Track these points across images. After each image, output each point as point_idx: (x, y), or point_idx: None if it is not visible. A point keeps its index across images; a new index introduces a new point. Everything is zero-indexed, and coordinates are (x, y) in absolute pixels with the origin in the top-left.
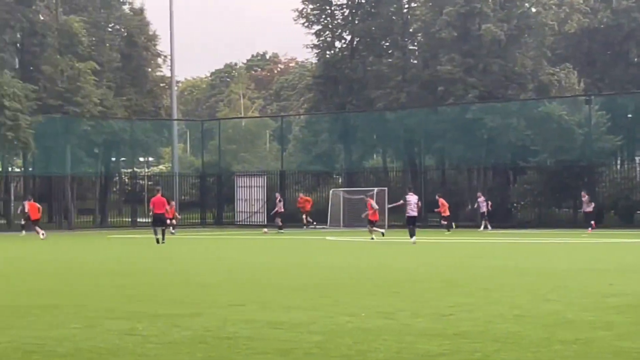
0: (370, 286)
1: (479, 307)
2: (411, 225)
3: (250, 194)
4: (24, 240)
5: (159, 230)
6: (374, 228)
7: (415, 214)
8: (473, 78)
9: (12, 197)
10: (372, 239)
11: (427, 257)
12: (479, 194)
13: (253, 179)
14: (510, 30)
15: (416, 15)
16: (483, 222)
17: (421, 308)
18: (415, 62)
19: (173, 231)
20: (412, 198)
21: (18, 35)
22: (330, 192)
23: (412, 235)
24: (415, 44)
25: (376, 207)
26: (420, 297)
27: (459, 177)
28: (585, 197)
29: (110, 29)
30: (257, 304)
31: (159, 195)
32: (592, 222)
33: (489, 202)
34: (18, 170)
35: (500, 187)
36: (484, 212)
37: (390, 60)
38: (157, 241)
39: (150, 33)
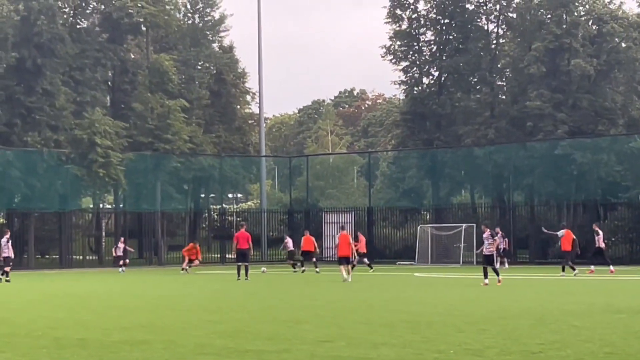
0: (459, 323)
1: (569, 344)
2: (488, 264)
3: (337, 231)
4: (115, 276)
5: (242, 266)
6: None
7: (489, 252)
8: (562, 113)
9: (104, 233)
10: (371, 268)
11: (514, 293)
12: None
13: (341, 215)
14: (600, 65)
15: (504, 51)
16: (498, 259)
17: (510, 345)
18: (504, 97)
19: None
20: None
21: (109, 74)
22: (418, 228)
23: (485, 275)
24: (504, 79)
25: (357, 242)
26: (509, 334)
27: (549, 213)
28: None
29: (199, 67)
30: (344, 341)
31: (242, 230)
32: None
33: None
34: (109, 206)
35: (590, 224)
36: (504, 248)
37: (478, 96)
38: (238, 276)
39: (239, 70)
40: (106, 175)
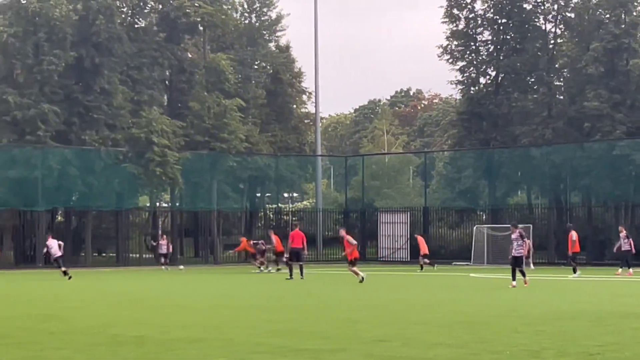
0: (515, 324)
1: (628, 346)
2: (516, 265)
3: (393, 231)
4: (171, 274)
5: (296, 265)
6: (354, 268)
7: (519, 254)
8: (620, 114)
9: (160, 232)
10: (362, 279)
11: (571, 295)
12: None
13: (396, 215)
14: None
15: (562, 51)
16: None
17: (567, 347)
18: (561, 97)
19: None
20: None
21: (167, 73)
22: (474, 228)
23: (514, 277)
24: (561, 79)
25: (354, 242)
26: (566, 336)
27: (606, 215)
28: None
29: (256, 66)
30: (401, 340)
31: (297, 229)
32: None
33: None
34: (166, 205)
35: None
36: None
37: (535, 96)
38: (291, 276)
39: (296, 70)
40: (163, 174)
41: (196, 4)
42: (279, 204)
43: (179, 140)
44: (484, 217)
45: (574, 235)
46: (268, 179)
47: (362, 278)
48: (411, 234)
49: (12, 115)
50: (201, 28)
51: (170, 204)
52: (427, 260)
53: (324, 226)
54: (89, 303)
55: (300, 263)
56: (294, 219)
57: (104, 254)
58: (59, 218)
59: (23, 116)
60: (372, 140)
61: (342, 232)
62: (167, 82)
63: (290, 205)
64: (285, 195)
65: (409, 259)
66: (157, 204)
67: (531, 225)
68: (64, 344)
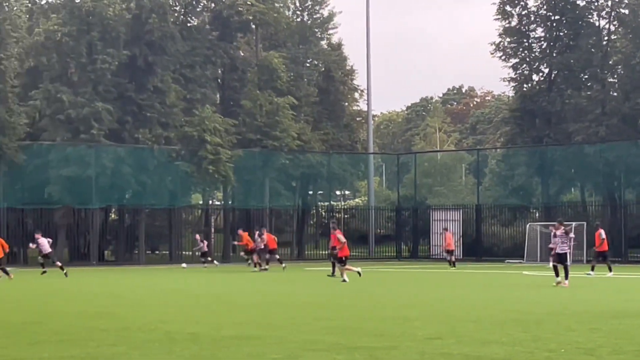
0: (570, 322)
1: None
2: (560, 262)
3: (442, 229)
4: (224, 272)
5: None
6: (348, 266)
7: (563, 251)
8: None
9: (213, 230)
10: (344, 280)
11: (627, 293)
12: None
13: (449, 212)
14: None
15: (616, 48)
16: None
17: (623, 344)
18: (615, 94)
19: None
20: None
21: (219, 71)
22: (527, 226)
23: (557, 274)
24: (615, 76)
25: (344, 240)
26: (622, 334)
27: None
28: None
29: (308, 64)
30: (454, 338)
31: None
32: None
33: None
34: (218, 203)
35: None
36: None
37: (589, 92)
38: (333, 273)
39: (348, 68)
40: (215, 171)
41: (248, 2)
42: (331, 202)
43: (231, 138)
44: (537, 214)
45: (602, 233)
46: (320, 177)
47: (344, 280)
48: (464, 232)
49: (66, 114)
50: (253, 26)
51: (222, 201)
52: (452, 258)
53: (376, 224)
54: (143, 300)
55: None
56: (346, 216)
57: (157, 252)
58: (113, 216)
59: (77, 115)
60: (424, 137)
61: (336, 232)
62: (219, 80)
63: (342, 203)
64: (337, 192)
65: (461, 257)
66: (210, 201)
67: (585, 223)
68: (118, 340)
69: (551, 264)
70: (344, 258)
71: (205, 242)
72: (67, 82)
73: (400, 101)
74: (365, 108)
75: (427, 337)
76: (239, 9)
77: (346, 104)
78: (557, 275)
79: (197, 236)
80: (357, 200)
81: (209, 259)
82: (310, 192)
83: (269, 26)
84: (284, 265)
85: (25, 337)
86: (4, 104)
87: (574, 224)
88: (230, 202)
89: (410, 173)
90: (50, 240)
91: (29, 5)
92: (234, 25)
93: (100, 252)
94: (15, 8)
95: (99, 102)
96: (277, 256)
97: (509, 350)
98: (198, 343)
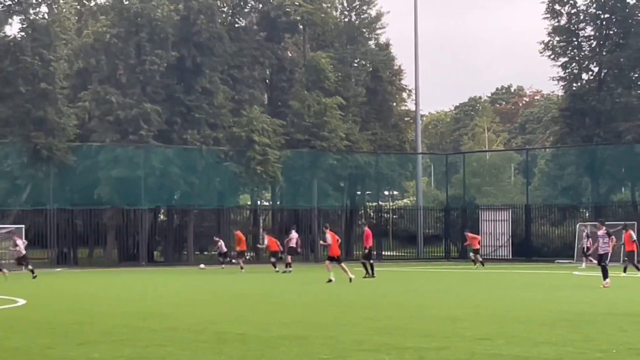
0: (621, 322)
1: None
2: (600, 262)
3: (494, 228)
4: (271, 273)
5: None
6: (340, 264)
7: (604, 251)
8: None
9: (261, 230)
10: (330, 280)
11: None
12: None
13: (498, 212)
14: None
15: None
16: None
17: None
18: None
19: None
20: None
21: (267, 72)
22: (577, 226)
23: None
24: None
25: (330, 241)
26: None
27: None
28: None
29: (356, 64)
30: (504, 338)
31: (367, 228)
32: None
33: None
34: (267, 203)
35: None
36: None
37: (639, 91)
38: (368, 274)
39: (395, 68)
40: (264, 172)
41: (296, 3)
42: (379, 202)
43: (279, 138)
44: (587, 214)
45: (632, 235)
46: (368, 177)
47: (330, 280)
48: (513, 232)
49: (115, 115)
50: (301, 27)
51: (271, 202)
52: (477, 257)
53: (424, 224)
54: (191, 300)
55: (371, 261)
56: (394, 216)
57: (205, 252)
58: (161, 217)
59: (126, 116)
60: (472, 137)
61: (325, 230)
62: (267, 81)
63: (391, 203)
64: (386, 193)
65: (510, 257)
66: (258, 202)
67: (635, 223)
68: (167, 341)
69: (599, 265)
70: (335, 257)
71: (222, 242)
72: (115, 84)
73: (449, 101)
74: (413, 108)
75: (476, 337)
76: (287, 9)
77: (394, 104)
78: (605, 276)
79: (216, 238)
80: (405, 200)
81: (228, 259)
82: (359, 193)
83: (316, 26)
84: (287, 268)
85: (75, 337)
86: (54, 106)
87: (627, 223)
88: (278, 203)
89: (458, 173)
90: (26, 242)
91: (78, 7)
92: (282, 26)
93: (150, 253)
94: (64, 10)
95: (147, 103)
96: (274, 259)
97: (560, 351)
98: (247, 343)
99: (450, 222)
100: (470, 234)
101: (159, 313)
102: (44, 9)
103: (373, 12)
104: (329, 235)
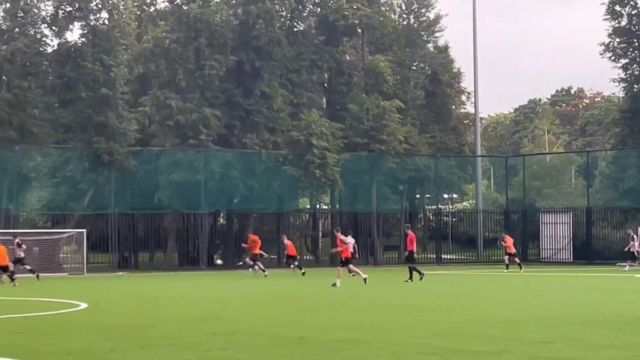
0: None
1: None
2: None
3: (555, 231)
4: (332, 276)
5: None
6: (352, 268)
7: None
8: None
9: (320, 234)
10: (335, 284)
11: None
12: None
13: (558, 215)
14: None
15: None
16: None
17: None
18: None
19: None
20: None
21: (326, 76)
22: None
23: None
24: None
25: (348, 241)
26: None
27: None
28: None
29: (414, 67)
30: (565, 342)
31: (410, 232)
32: None
33: None
34: (325, 207)
35: None
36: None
37: None
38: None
39: (454, 70)
40: (322, 175)
41: (354, 7)
42: (439, 205)
43: (338, 142)
44: None
45: None
46: (427, 180)
47: (335, 284)
48: (574, 235)
49: (175, 120)
50: (359, 30)
51: (330, 205)
52: (515, 259)
53: (484, 227)
54: (251, 304)
55: (414, 265)
56: (454, 219)
57: (265, 256)
58: (221, 220)
59: (185, 120)
60: (532, 140)
61: (336, 233)
62: (325, 84)
63: (450, 206)
64: (445, 196)
65: (571, 260)
66: (317, 205)
67: None
68: (228, 344)
69: None
70: (344, 259)
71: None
72: (175, 88)
73: (508, 103)
74: (472, 111)
75: (537, 341)
76: (345, 13)
77: (453, 106)
78: None
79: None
80: (465, 203)
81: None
82: (418, 196)
83: (375, 30)
84: (303, 270)
85: (137, 341)
86: (115, 111)
87: None
88: (337, 206)
89: (518, 176)
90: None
91: (138, 12)
92: (340, 30)
93: (210, 257)
94: (124, 16)
95: (207, 107)
96: (296, 263)
97: (624, 355)
98: (306, 346)
99: (510, 225)
100: (507, 237)
101: (220, 316)
102: (104, 14)
103: (432, 15)
104: (344, 238)
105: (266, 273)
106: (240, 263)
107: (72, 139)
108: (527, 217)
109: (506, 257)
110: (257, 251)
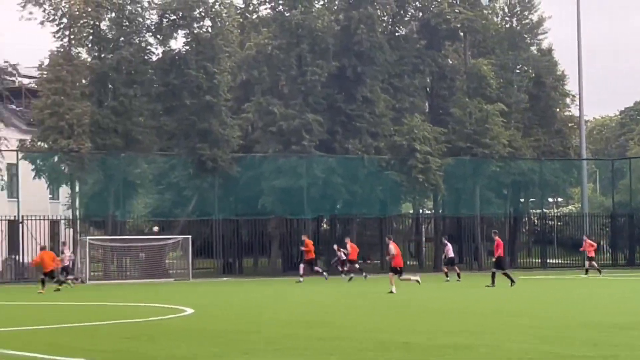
0: None
1: None
2: None
3: None
4: (437, 281)
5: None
6: (406, 276)
7: None
8: None
9: (424, 238)
10: (392, 292)
11: None
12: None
13: None
14: None
15: None
16: None
17: None
18: None
19: None
20: None
21: (428, 80)
22: None
23: None
24: None
25: (394, 252)
26: None
27: None
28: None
29: (517, 71)
30: None
31: (498, 237)
32: None
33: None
34: (428, 212)
35: None
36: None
37: None
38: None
39: (559, 73)
40: (425, 180)
41: (456, 10)
42: (544, 209)
43: (440, 146)
44: None
45: None
46: (532, 184)
47: (392, 291)
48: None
49: (277, 126)
50: (462, 34)
51: (433, 210)
52: (593, 264)
53: (590, 231)
54: (355, 309)
55: (504, 271)
56: (559, 224)
57: (368, 261)
58: (324, 226)
59: (288, 126)
60: (639, 142)
61: (388, 241)
62: (428, 88)
63: (555, 210)
64: (550, 200)
65: None
66: (420, 210)
67: None
68: (332, 349)
69: None
70: (398, 268)
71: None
72: (278, 95)
73: (614, 105)
74: (577, 113)
75: None
76: (447, 17)
77: (557, 109)
78: None
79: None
80: (570, 207)
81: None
82: (522, 200)
83: (477, 33)
84: (350, 276)
85: (240, 346)
86: (218, 118)
87: None
88: (440, 211)
89: (625, 178)
90: (73, 256)
91: (241, 20)
92: (442, 34)
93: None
94: (227, 23)
95: (309, 113)
96: (357, 265)
97: None
98: (411, 352)
99: (616, 229)
100: (588, 240)
101: (323, 321)
102: (207, 22)
103: (535, 17)
104: (392, 247)
105: (326, 276)
106: (337, 264)
107: (176, 146)
108: (634, 221)
109: (587, 263)
110: (312, 255)
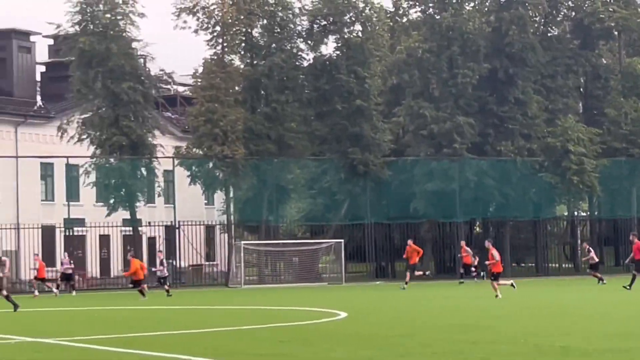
0: None
1: None
2: None
3: None
4: (590, 284)
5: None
6: (500, 281)
7: None
8: None
9: (579, 241)
10: (497, 296)
11: None
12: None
13: None
14: None
15: None
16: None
17: None
18: None
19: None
20: None
21: (581, 80)
22: None
23: None
24: None
25: (498, 258)
26: None
27: None
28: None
29: None
30: None
31: (637, 240)
32: None
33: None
34: (584, 214)
35: None
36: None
37: None
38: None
39: None
40: (580, 182)
41: (610, 9)
42: None
43: (595, 147)
44: None
45: None
46: None
47: (497, 295)
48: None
49: (428, 129)
50: (616, 33)
51: (588, 212)
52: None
53: None
54: (511, 313)
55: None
56: (632, 233)
57: (522, 264)
58: (477, 229)
59: (439, 129)
60: None
61: (488, 244)
62: (581, 89)
63: None
64: None
65: None
66: (575, 212)
67: None
68: (488, 353)
69: None
70: (496, 274)
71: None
72: (429, 98)
73: None
74: None
75: None
76: (601, 16)
77: None
78: None
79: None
80: None
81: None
82: None
83: (632, 32)
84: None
85: (395, 350)
86: (369, 122)
87: None
88: (596, 213)
89: None
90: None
91: (391, 23)
92: (596, 33)
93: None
94: (377, 27)
95: (460, 116)
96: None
97: None
98: (568, 356)
99: None
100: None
101: (478, 325)
102: (357, 27)
103: None
104: (496, 252)
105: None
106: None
107: (328, 150)
108: None
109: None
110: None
